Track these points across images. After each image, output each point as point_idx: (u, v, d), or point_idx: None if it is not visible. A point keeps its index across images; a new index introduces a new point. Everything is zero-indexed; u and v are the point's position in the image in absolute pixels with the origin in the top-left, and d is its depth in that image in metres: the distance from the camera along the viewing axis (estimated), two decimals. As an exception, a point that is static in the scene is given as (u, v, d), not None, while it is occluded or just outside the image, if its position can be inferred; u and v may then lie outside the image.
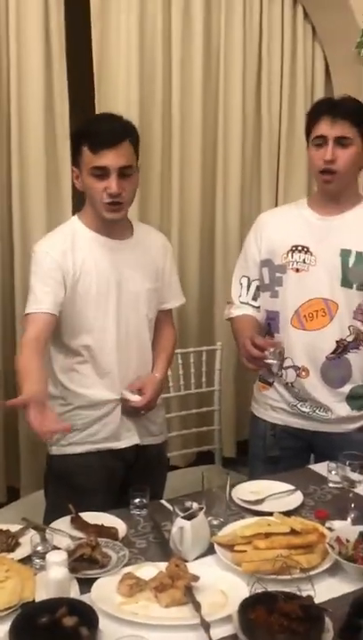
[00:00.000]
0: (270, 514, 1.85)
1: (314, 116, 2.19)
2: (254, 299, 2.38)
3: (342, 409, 2.27)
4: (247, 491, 2.03)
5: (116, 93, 3.47)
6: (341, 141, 2.14)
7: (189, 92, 3.65)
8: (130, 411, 2.23)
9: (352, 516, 1.85)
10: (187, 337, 3.74)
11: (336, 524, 1.83)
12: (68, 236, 2.17)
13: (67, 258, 2.12)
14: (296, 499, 1.99)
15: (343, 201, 2.23)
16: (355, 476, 1.91)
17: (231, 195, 3.85)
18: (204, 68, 3.67)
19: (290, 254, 2.25)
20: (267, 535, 1.70)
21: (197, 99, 3.67)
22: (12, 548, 1.72)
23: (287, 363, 2.30)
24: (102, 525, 1.80)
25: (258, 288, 2.36)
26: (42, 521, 2.00)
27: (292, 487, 2.04)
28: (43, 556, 1.59)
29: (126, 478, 2.26)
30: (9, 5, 3.16)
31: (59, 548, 1.63)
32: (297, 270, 2.24)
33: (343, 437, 2.26)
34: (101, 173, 2.06)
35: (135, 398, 2.21)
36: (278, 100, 3.93)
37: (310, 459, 2.43)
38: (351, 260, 2.19)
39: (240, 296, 2.40)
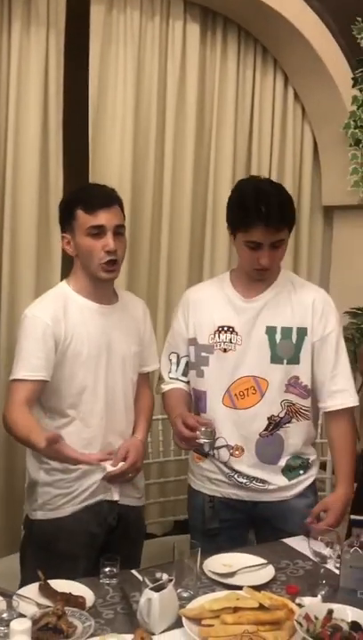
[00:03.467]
0: (241, 587, 1.83)
1: (246, 222, 2.13)
2: (184, 374, 2.36)
3: (279, 480, 2.26)
4: (219, 563, 2.00)
5: (110, 165, 3.61)
6: (275, 244, 2.16)
7: (181, 166, 3.78)
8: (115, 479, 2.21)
9: (323, 592, 1.84)
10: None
11: (306, 600, 1.81)
12: (60, 301, 2.20)
13: (59, 324, 2.14)
14: (268, 573, 1.96)
15: (265, 279, 2.25)
16: (327, 551, 1.91)
17: (218, 263, 3.93)
18: (196, 144, 3.82)
19: (216, 335, 2.26)
20: (235, 610, 1.68)
21: (188, 173, 3.81)
22: (-24, 615, 1.70)
23: (220, 442, 2.27)
24: (70, 594, 1.77)
25: (187, 364, 2.35)
26: (16, 587, 1.92)
27: (264, 561, 2.03)
28: (8, 624, 1.56)
29: (106, 545, 2.24)
30: (10, 77, 3.31)
31: (25, 616, 1.61)
32: (225, 350, 2.24)
33: (282, 505, 2.26)
34: (98, 232, 2.13)
35: (115, 468, 2.16)
36: (267, 174, 4.04)
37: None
38: (278, 337, 2.20)
39: (170, 372, 2.39)
